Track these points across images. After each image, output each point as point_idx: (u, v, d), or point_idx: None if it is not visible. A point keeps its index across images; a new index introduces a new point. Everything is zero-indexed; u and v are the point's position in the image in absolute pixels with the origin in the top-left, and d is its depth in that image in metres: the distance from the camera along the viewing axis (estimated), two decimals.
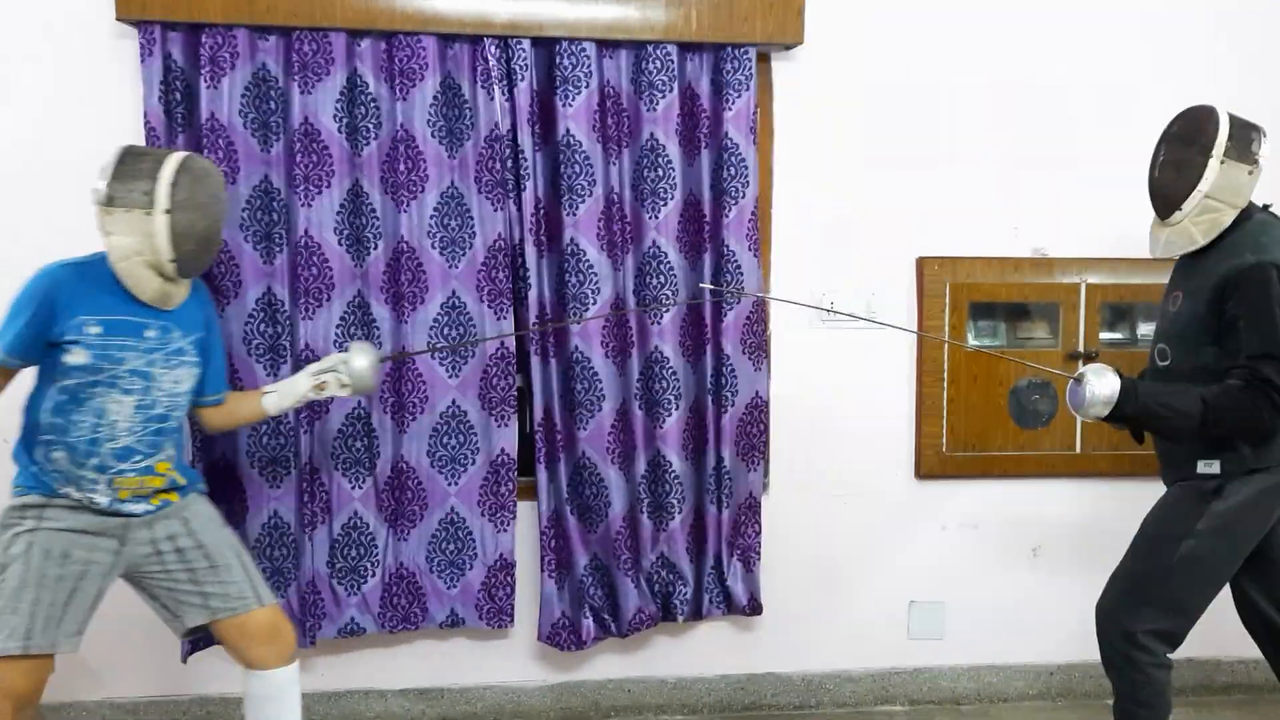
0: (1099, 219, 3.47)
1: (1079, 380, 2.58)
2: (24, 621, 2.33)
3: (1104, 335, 3.54)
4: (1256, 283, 2.47)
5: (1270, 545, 2.69)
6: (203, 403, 2.68)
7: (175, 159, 2.40)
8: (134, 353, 2.41)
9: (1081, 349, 3.49)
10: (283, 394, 2.71)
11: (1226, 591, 2.74)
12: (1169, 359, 2.68)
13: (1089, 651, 3.67)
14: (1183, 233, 2.62)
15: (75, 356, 2.35)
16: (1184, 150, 2.60)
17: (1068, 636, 3.58)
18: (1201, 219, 2.59)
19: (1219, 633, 3.27)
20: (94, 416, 2.39)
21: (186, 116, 3.04)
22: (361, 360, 2.70)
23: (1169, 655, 2.69)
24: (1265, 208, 2.65)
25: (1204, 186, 2.56)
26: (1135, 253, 3.50)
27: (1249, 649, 3.71)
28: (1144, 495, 3.56)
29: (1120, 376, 2.56)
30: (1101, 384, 2.55)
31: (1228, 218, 2.57)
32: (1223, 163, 2.54)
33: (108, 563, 2.47)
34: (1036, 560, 3.60)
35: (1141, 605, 2.68)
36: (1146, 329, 3.59)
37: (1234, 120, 2.58)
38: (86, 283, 2.39)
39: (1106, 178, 3.47)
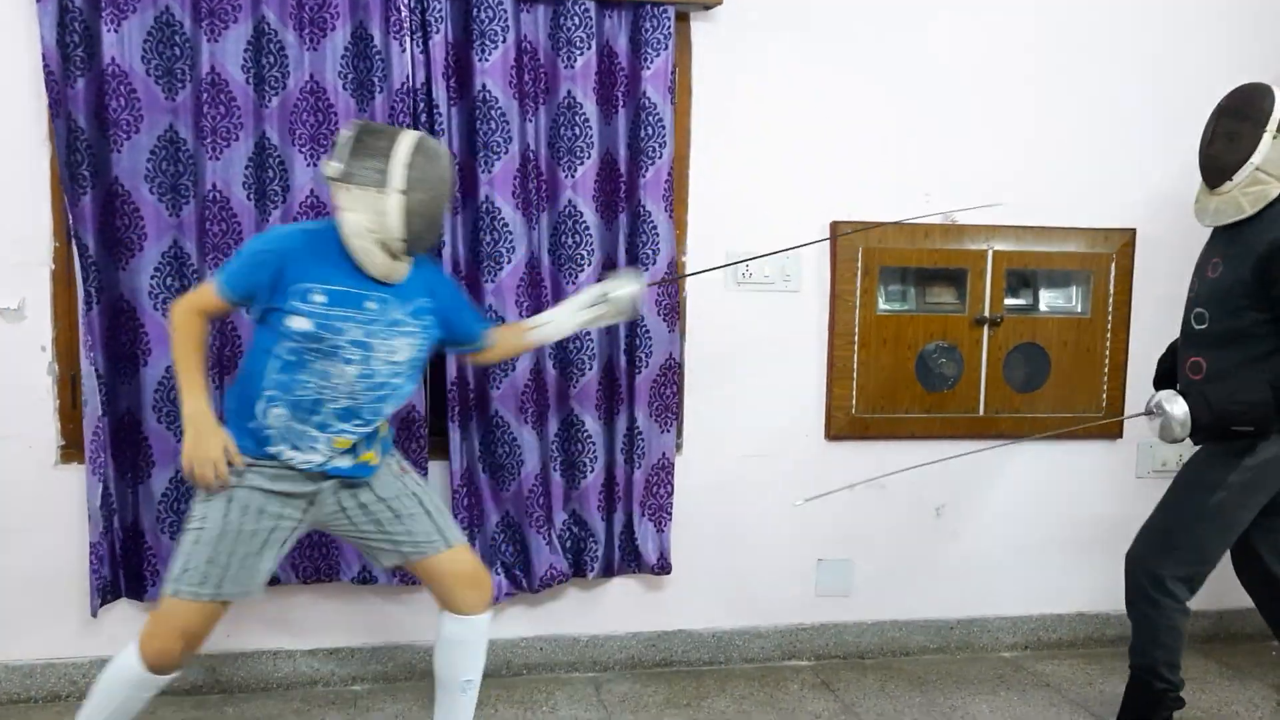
0: (1007, 187, 3.54)
1: (1152, 414, 2.76)
2: (219, 571, 2.39)
3: (1008, 301, 3.63)
4: None
5: None
6: (465, 351, 2.81)
7: (410, 138, 2.38)
8: (354, 324, 2.40)
9: (987, 314, 3.57)
10: (548, 333, 2.84)
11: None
12: (1206, 322, 2.80)
13: (986, 606, 3.81)
14: (1231, 202, 2.74)
15: (298, 323, 2.36)
16: (1238, 123, 2.72)
17: (966, 592, 3.71)
18: (1250, 190, 2.71)
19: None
20: (318, 379, 2.40)
21: (86, 60, 2.93)
22: (628, 289, 2.79)
23: (1188, 602, 2.85)
24: None
25: (1256, 159, 2.68)
26: (1040, 221, 3.61)
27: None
28: (1043, 457, 3.71)
29: (1184, 395, 2.72)
30: (1174, 408, 2.72)
31: (1275, 190, 2.69)
32: (1275, 137, 2.66)
33: (296, 519, 2.52)
34: (939, 519, 3.70)
35: (1169, 551, 2.83)
36: (1048, 295, 3.70)
37: None
38: (317, 252, 2.40)
39: (1016, 146, 3.56)
